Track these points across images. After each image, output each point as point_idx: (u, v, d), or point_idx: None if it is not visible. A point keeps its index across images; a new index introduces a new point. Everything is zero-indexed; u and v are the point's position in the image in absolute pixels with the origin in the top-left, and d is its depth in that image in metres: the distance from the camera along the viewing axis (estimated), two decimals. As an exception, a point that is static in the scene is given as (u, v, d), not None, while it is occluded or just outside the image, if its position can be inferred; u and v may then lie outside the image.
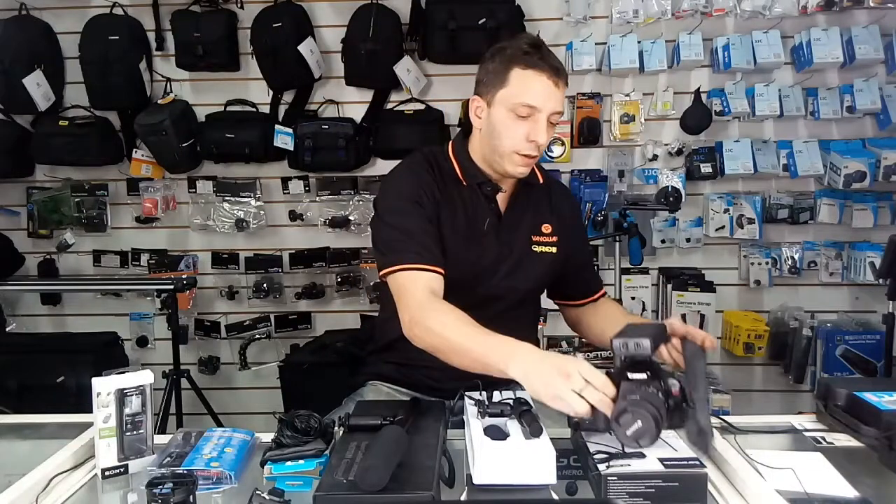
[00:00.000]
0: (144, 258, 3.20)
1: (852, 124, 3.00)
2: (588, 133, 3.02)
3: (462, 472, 1.21)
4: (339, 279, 3.16)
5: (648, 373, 1.16)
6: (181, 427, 2.63)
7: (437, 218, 1.57)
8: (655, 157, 3.05)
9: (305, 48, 2.91)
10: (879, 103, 2.87)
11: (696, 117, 2.93)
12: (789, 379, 3.02)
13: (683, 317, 2.99)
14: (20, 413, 1.90)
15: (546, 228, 1.67)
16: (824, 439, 1.38)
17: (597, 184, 3.03)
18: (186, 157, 3.04)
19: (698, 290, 2.99)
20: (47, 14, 3.07)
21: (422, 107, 3.04)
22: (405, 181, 1.60)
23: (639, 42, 2.91)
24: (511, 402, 1.27)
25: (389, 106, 3.08)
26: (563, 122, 3.04)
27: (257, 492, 1.11)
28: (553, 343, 3.07)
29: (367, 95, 3.08)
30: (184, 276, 2.89)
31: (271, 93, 3.08)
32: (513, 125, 1.51)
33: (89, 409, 1.29)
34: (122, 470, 1.29)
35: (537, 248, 1.66)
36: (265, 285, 3.17)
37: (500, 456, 1.13)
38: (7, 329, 3.15)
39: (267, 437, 1.34)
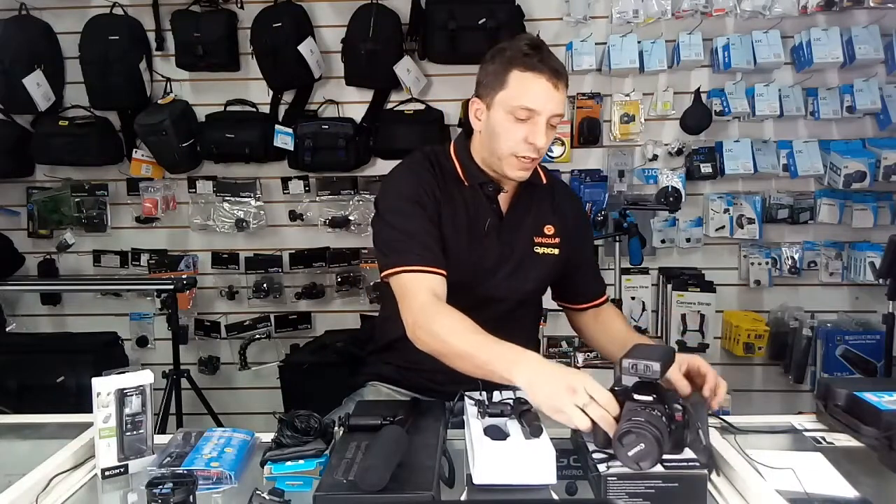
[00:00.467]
0: (144, 258, 3.20)
1: (852, 124, 3.00)
2: (588, 133, 3.02)
3: (462, 472, 1.21)
4: (339, 279, 3.16)
5: (654, 395, 1.16)
6: (181, 427, 2.63)
7: (438, 217, 1.57)
8: (655, 157, 3.05)
9: (305, 48, 2.91)
10: (879, 103, 2.87)
11: (696, 117, 2.93)
12: (789, 379, 3.01)
13: (683, 317, 3.00)
14: (20, 413, 1.90)
15: (549, 230, 1.66)
16: (824, 439, 1.38)
17: (597, 184, 3.03)
18: (186, 157, 3.04)
19: (698, 290, 2.99)
20: (47, 14, 3.07)
21: (422, 107, 3.04)
22: (406, 181, 1.59)
23: (639, 42, 2.91)
24: (511, 402, 1.27)
25: (389, 106, 3.08)
26: (563, 122, 3.04)
27: (257, 492, 1.11)
28: (553, 343, 3.07)
29: (367, 95, 3.08)
30: (184, 276, 2.89)
31: (271, 93, 3.08)
32: (511, 128, 1.50)
33: (89, 409, 1.29)
34: (122, 470, 1.29)
35: (539, 250, 1.65)
36: (265, 285, 3.17)
37: (500, 456, 1.13)
38: (7, 329, 3.15)
39: (267, 437, 1.34)
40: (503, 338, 1.48)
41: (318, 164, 3.01)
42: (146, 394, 1.31)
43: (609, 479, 1.10)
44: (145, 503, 1.07)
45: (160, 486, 1.07)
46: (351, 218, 3.12)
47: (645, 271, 3.09)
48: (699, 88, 2.96)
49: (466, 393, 1.33)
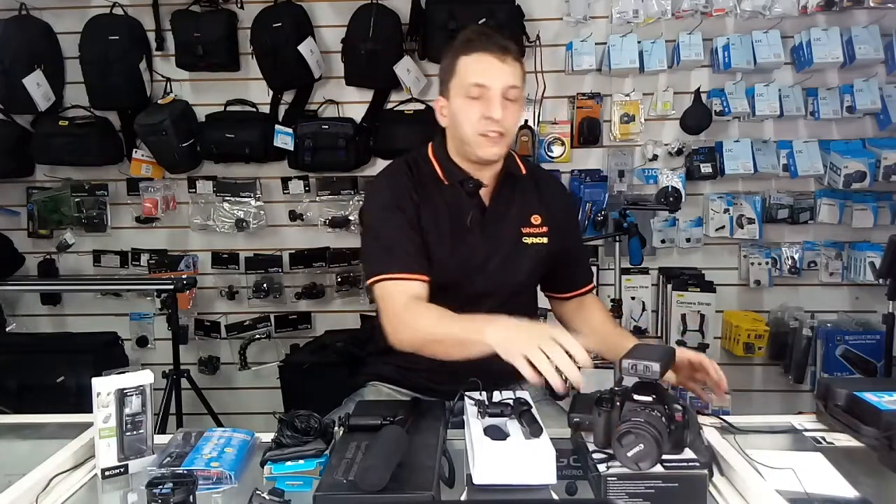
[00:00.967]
0: (144, 258, 3.20)
1: (852, 124, 3.00)
2: (588, 133, 3.02)
3: (462, 472, 1.21)
4: (339, 279, 3.16)
5: (654, 396, 1.16)
6: (181, 427, 2.63)
7: (418, 220, 1.58)
8: (655, 157, 3.05)
9: (305, 48, 2.91)
10: (879, 103, 2.87)
11: (696, 117, 2.93)
12: (789, 379, 3.02)
13: (683, 317, 3.00)
14: (20, 413, 1.90)
15: (536, 219, 1.66)
16: (824, 439, 1.38)
17: (597, 184, 3.03)
18: (186, 157, 3.04)
19: (698, 290, 2.99)
20: (47, 14, 3.07)
21: (422, 107, 3.04)
22: (383, 189, 1.63)
23: (639, 42, 2.91)
24: (511, 402, 1.27)
25: (389, 106, 3.08)
26: (562, 121, 3.05)
27: (257, 492, 1.11)
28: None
29: (367, 95, 3.08)
30: (184, 276, 2.89)
31: (271, 93, 3.08)
32: (468, 108, 1.54)
33: (89, 410, 1.29)
34: (122, 470, 1.29)
35: (528, 240, 1.65)
36: (265, 285, 3.17)
37: (500, 456, 1.13)
38: (7, 329, 3.15)
39: (267, 437, 1.34)
40: None
41: (318, 164, 3.01)
42: (146, 394, 1.31)
43: (609, 479, 1.10)
44: (145, 503, 1.07)
45: (160, 486, 1.07)
46: (351, 218, 3.12)
47: (645, 271, 3.09)
48: (699, 88, 2.96)
49: (466, 393, 1.33)
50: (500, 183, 1.65)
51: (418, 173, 1.64)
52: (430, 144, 1.69)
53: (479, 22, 2.79)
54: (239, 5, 3.02)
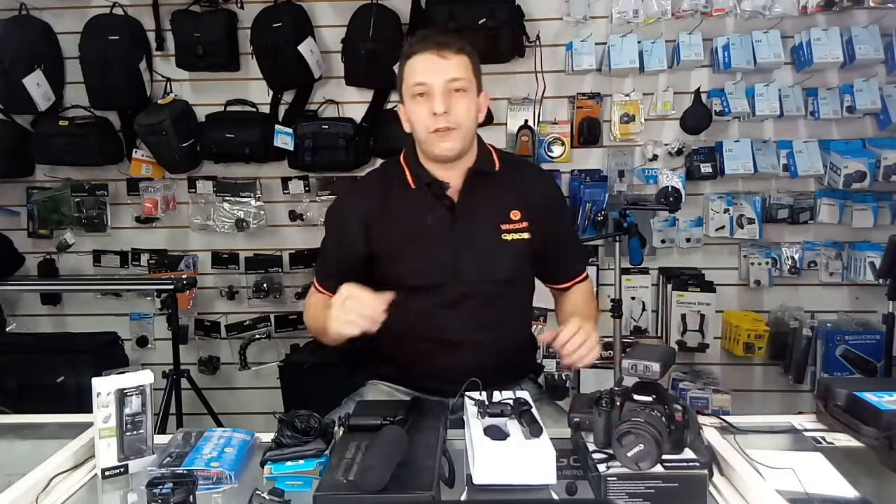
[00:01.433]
0: (144, 258, 3.20)
1: (852, 124, 3.00)
2: (588, 133, 3.02)
3: (462, 472, 1.21)
4: (339, 279, 3.15)
5: (654, 396, 1.16)
6: (181, 427, 2.63)
7: (367, 238, 1.64)
8: (655, 157, 3.05)
9: (305, 48, 2.91)
10: (879, 103, 2.87)
11: (696, 117, 2.93)
12: (789, 379, 3.02)
13: (683, 317, 3.01)
14: (20, 413, 1.90)
15: (515, 215, 1.65)
16: (824, 439, 1.38)
17: (597, 184, 3.03)
18: (186, 157, 3.04)
19: (698, 290, 2.99)
20: (47, 14, 3.07)
21: (422, 107, 3.04)
22: (332, 213, 1.79)
23: (639, 42, 2.91)
24: (511, 402, 1.27)
25: (389, 106, 3.08)
26: (562, 121, 3.05)
27: (257, 492, 1.12)
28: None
29: (367, 95, 3.08)
30: (184, 276, 2.89)
31: (271, 93, 3.08)
32: (417, 108, 1.57)
33: (89, 410, 1.29)
34: (122, 470, 1.29)
35: (507, 237, 1.64)
36: (265, 285, 3.17)
37: (500, 456, 1.13)
38: (7, 329, 3.15)
39: (267, 437, 1.34)
40: (493, 335, 1.59)
41: (318, 164, 3.01)
42: (146, 394, 1.31)
43: (609, 479, 1.11)
44: (145, 503, 1.07)
45: (160, 486, 1.07)
46: (351, 218, 3.12)
47: (645, 271, 3.09)
48: (699, 88, 2.96)
49: (466, 393, 1.34)
50: (469, 182, 1.64)
51: (389, 181, 1.68)
52: (403, 150, 1.71)
53: (479, 22, 2.79)
54: (239, 5, 3.02)
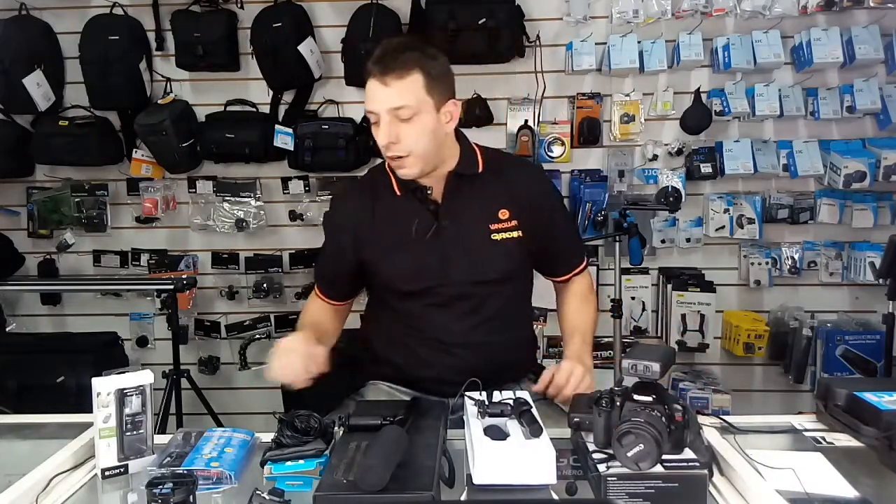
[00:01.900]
0: (144, 258, 3.20)
1: (852, 124, 3.00)
2: (588, 133, 3.02)
3: (462, 472, 1.21)
4: (339, 279, 3.16)
5: (654, 396, 1.16)
6: (181, 427, 2.63)
7: (355, 244, 1.65)
8: (655, 157, 3.05)
9: (305, 48, 2.91)
10: (879, 103, 2.87)
11: (696, 117, 2.93)
12: (789, 379, 3.02)
13: (683, 317, 3.00)
14: (20, 413, 1.90)
15: (503, 214, 1.63)
16: (824, 439, 1.38)
17: (597, 184, 3.03)
18: (186, 157, 3.04)
19: (698, 290, 2.99)
20: (47, 14, 3.07)
21: (422, 107, 3.04)
22: (333, 216, 1.80)
23: (639, 42, 2.91)
24: (511, 402, 1.27)
25: (389, 106, 3.07)
26: (563, 121, 3.05)
27: (257, 492, 1.12)
28: (553, 343, 3.07)
29: (367, 95, 3.07)
30: (184, 276, 2.89)
31: (271, 93, 3.08)
32: (375, 134, 1.56)
33: (89, 410, 1.29)
34: (122, 470, 1.29)
35: (497, 236, 1.62)
36: (265, 285, 3.16)
37: (500, 456, 1.13)
38: (7, 329, 3.15)
39: (267, 437, 1.34)
40: (490, 335, 1.60)
41: (318, 164, 3.01)
42: (146, 394, 1.31)
43: (609, 479, 1.11)
44: (145, 503, 1.07)
45: (160, 486, 1.07)
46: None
47: (645, 271, 3.09)
48: (699, 88, 2.96)
49: (466, 393, 1.34)
50: (452, 185, 1.62)
51: (376, 188, 1.68)
52: None
53: (479, 22, 2.79)
54: (239, 5, 3.02)
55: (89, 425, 1.34)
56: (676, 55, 2.93)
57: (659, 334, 3.14)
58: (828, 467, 1.22)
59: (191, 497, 1.08)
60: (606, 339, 3.01)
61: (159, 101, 3.05)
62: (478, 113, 2.97)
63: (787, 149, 2.98)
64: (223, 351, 3.26)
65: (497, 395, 1.30)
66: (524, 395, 1.32)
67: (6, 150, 3.05)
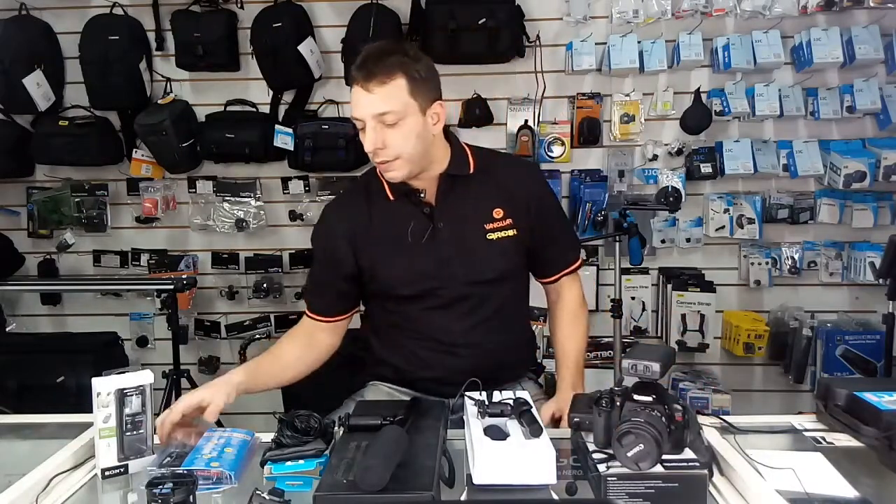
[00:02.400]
0: (144, 258, 3.20)
1: (852, 124, 3.00)
2: (588, 133, 3.02)
3: (462, 472, 1.21)
4: (339, 279, 3.16)
5: (654, 396, 1.16)
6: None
7: (354, 253, 1.63)
8: (655, 157, 3.05)
9: (305, 48, 2.91)
10: (879, 103, 2.87)
11: (696, 117, 2.93)
12: (789, 379, 3.02)
13: (683, 317, 3.01)
14: (20, 413, 1.90)
15: (498, 213, 1.63)
16: (824, 439, 1.38)
17: (597, 184, 3.03)
18: (186, 157, 3.04)
19: (698, 290, 2.99)
20: (47, 14, 3.07)
21: (422, 107, 3.04)
22: (317, 234, 1.73)
23: (639, 42, 2.91)
24: (511, 402, 1.27)
25: (389, 106, 3.07)
26: (563, 122, 3.05)
27: (257, 492, 1.12)
28: (552, 341, 3.06)
29: (367, 95, 3.07)
30: (184, 276, 2.89)
31: (271, 93, 3.08)
32: (362, 139, 1.56)
33: (89, 410, 1.29)
34: (122, 470, 1.29)
35: (493, 236, 1.62)
36: (265, 285, 3.16)
37: (500, 456, 1.13)
38: (7, 329, 3.15)
39: (267, 437, 1.34)
40: (489, 335, 1.60)
41: (318, 164, 3.01)
42: (146, 394, 1.31)
43: (609, 479, 1.11)
44: (145, 503, 1.07)
45: (160, 486, 1.07)
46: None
47: (645, 271, 3.09)
48: (699, 88, 2.96)
49: (466, 393, 1.34)
50: (444, 187, 1.62)
51: (370, 194, 1.67)
52: None
53: (480, 22, 2.79)
54: (239, 5, 3.02)
55: (89, 425, 1.34)
56: (676, 55, 2.93)
57: (659, 334, 3.14)
58: (828, 467, 1.22)
59: (191, 497, 1.08)
60: (606, 339, 3.01)
61: (159, 101, 3.05)
62: (478, 113, 2.97)
63: (787, 149, 2.98)
64: (223, 351, 3.26)
65: (497, 395, 1.30)
66: (524, 395, 1.32)
67: (6, 150, 3.05)
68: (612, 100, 3.04)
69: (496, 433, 1.19)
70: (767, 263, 3.06)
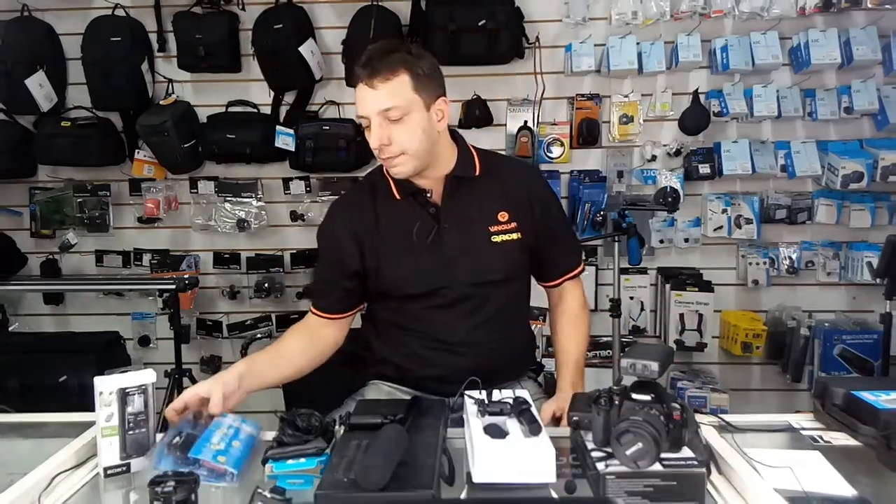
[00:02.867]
0: (146, 258, 3.21)
1: (850, 125, 3.01)
2: (587, 134, 3.03)
3: (462, 471, 1.21)
4: (340, 279, 3.16)
5: (652, 395, 1.16)
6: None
7: (361, 252, 1.63)
8: (654, 158, 3.06)
9: (306, 49, 2.92)
10: (877, 104, 2.88)
11: (695, 118, 2.94)
12: (787, 378, 3.03)
13: (682, 316, 3.01)
14: (22, 412, 1.90)
15: (503, 216, 1.64)
16: (822, 438, 1.38)
17: (596, 184, 3.04)
18: (188, 158, 3.05)
19: (696, 289, 3.00)
20: (49, 15, 3.08)
21: (422, 107, 3.05)
22: (323, 234, 1.72)
23: (637, 43, 2.92)
24: (511, 400, 1.28)
25: (390, 107, 3.08)
26: (562, 122, 3.06)
27: (259, 490, 1.12)
28: (552, 342, 3.07)
29: (368, 96, 3.08)
30: (185, 276, 2.90)
31: (272, 94, 3.09)
32: (368, 137, 1.56)
33: (91, 409, 1.30)
34: (124, 469, 1.30)
35: (497, 238, 1.64)
36: (266, 285, 3.17)
37: (500, 454, 1.14)
38: (10, 328, 3.16)
39: (268, 436, 1.35)
40: (491, 335, 1.62)
41: (319, 165, 3.02)
42: (148, 393, 1.32)
43: (608, 477, 1.11)
44: (147, 502, 1.07)
45: (162, 485, 1.07)
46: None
47: (643, 271, 3.10)
48: (697, 89, 2.97)
49: (466, 392, 1.35)
50: (450, 188, 1.63)
51: (375, 193, 1.67)
52: None
53: (479, 23, 2.80)
54: (240, 7, 3.03)
55: (91, 424, 1.35)
56: (675, 56, 2.94)
57: (657, 334, 3.15)
58: (825, 466, 1.22)
59: (192, 496, 1.09)
60: (605, 339, 3.02)
61: (161, 102, 3.06)
62: (478, 114, 2.98)
63: (785, 149, 2.99)
64: (225, 350, 3.27)
65: (497, 394, 1.31)
66: (524, 393, 1.32)
67: (9, 150, 3.06)
68: (610, 101, 3.05)
69: (496, 432, 1.20)
70: (765, 263, 3.07)
